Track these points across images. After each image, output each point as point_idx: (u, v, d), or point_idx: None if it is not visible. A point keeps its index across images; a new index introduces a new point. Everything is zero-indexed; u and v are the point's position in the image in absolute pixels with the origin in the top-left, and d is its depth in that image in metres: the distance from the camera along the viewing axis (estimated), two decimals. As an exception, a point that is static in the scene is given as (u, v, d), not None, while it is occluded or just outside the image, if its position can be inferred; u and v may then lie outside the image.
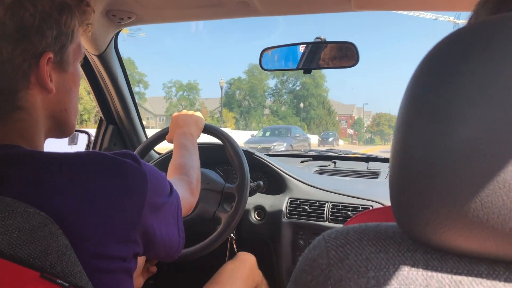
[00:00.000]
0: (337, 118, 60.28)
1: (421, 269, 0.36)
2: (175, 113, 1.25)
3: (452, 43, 0.34)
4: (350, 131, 64.29)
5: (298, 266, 0.44)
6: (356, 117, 68.80)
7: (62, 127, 0.70)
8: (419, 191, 0.34)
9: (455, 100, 0.32)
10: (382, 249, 0.38)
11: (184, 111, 1.25)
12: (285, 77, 57.64)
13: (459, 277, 0.35)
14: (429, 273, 0.35)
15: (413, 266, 0.36)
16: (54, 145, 0.71)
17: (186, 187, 0.93)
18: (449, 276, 0.35)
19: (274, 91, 59.21)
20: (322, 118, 56.37)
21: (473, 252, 0.34)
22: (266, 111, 56.61)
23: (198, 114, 1.25)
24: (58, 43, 0.63)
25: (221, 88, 35.37)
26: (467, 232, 0.33)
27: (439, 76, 0.33)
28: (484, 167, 0.30)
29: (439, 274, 0.35)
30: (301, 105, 54.20)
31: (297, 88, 58.40)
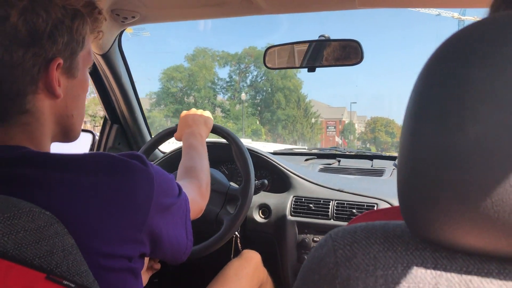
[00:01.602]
0: (313, 120, 45.39)
1: (430, 268, 0.36)
2: (184, 112, 1.26)
3: (461, 40, 0.34)
4: (339, 140, 51.96)
5: (305, 264, 0.43)
6: (346, 122, 55.23)
7: (68, 133, 0.70)
8: (427, 188, 0.34)
9: (464, 98, 0.31)
10: (390, 247, 0.38)
11: (193, 110, 1.25)
12: (243, 65, 42.42)
13: (469, 276, 0.34)
14: (438, 272, 0.35)
15: (421, 265, 0.36)
16: (58, 144, 0.72)
17: (196, 190, 0.93)
18: (459, 275, 0.35)
19: (229, 84, 42.57)
20: (296, 120, 42.60)
21: (483, 251, 0.34)
22: (219, 110, 41.58)
23: (207, 113, 1.26)
24: (69, 49, 0.63)
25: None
26: (477, 230, 0.32)
27: (447, 75, 0.33)
28: (494, 166, 0.30)
29: (449, 273, 0.35)
30: (243, 96, 39.87)
31: (259, 80, 42.53)
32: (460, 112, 0.31)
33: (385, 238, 0.39)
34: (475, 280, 0.34)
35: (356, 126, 58.46)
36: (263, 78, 42.60)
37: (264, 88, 42.91)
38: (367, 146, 54.07)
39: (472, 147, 0.31)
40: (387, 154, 2.05)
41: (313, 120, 45.31)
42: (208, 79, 39.98)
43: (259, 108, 43.13)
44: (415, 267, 0.36)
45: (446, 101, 0.32)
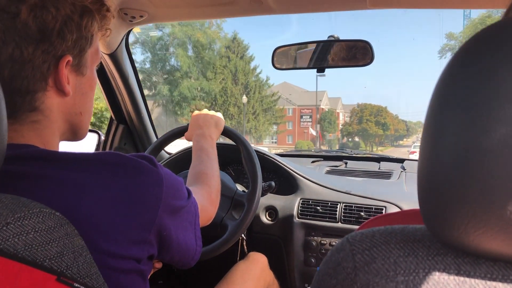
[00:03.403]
0: (244, 99, 27.48)
1: (452, 274, 0.34)
2: (196, 112, 1.25)
3: (485, 39, 0.33)
4: (313, 131, 40.89)
5: (321, 269, 0.42)
6: (327, 109, 42.62)
7: (76, 131, 0.71)
8: (451, 191, 0.32)
9: (490, 99, 0.30)
10: (411, 252, 0.37)
11: (205, 111, 1.25)
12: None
13: (493, 283, 0.33)
14: (462, 278, 0.34)
15: (444, 270, 0.35)
16: (65, 143, 0.72)
17: (206, 196, 0.92)
18: (483, 281, 0.33)
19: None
20: (228, 102, 27.28)
21: (509, 256, 0.33)
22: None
23: (219, 115, 1.25)
24: (78, 46, 0.64)
25: None
26: (503, 235, 0.31)
27: (472, 74, 0.32)
28: None
29: (472, 280, 0.34)
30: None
31: (151, 31, 25.22)
32: (486, 113, 0.30)
33: (405, 242, 0.38)
34: (500, 286, 0.33)
35: (341, 116, 48.16)
36: (160, 28, 25.06)
37: (162, 45, 24.90)
38: (355, 139, 44.47)
39: (499, 149, 0.29)
40: (394, 156, 2.03)
41: (243, 99, 27.76)
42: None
43: (153, 78, 26.43)
44: (437, 273, 0.35)
45: (472, 102, 0.31)
